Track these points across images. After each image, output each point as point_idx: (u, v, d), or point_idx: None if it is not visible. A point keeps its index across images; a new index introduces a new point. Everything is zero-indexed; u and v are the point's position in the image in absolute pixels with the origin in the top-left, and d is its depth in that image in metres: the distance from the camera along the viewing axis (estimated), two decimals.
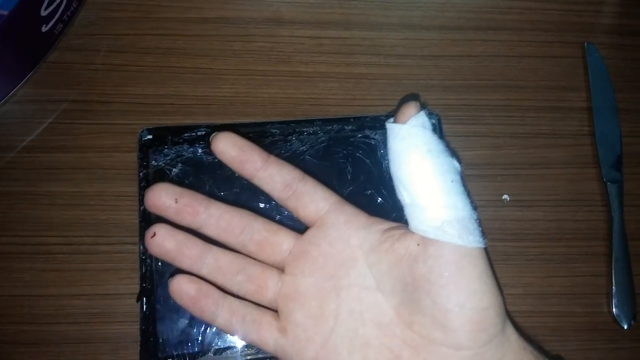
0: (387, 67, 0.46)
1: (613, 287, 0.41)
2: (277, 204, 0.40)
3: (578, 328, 0.40)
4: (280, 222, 0.39)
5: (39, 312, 0.38)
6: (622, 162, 0.44)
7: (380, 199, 0.41)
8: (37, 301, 0.39)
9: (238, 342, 0.37)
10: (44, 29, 0.42)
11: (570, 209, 0.43)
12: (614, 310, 0.40)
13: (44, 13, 0.41)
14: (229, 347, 0.37)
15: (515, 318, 0.40)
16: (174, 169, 0.41)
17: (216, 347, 0.37)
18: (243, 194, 0.40)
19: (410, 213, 0.30)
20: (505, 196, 0.43)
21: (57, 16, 0.43)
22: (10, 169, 0.41)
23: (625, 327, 0.40)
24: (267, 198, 0.40)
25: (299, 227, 0.40)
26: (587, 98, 0.47)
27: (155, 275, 0.38)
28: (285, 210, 0.39)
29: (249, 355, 0.37)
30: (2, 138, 0.42)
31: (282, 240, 0.33)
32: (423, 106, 0.31)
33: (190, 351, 0.37)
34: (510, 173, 0.44)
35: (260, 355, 0.37)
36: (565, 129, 0.46)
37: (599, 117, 0.45)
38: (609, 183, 0.43)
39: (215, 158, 0.41)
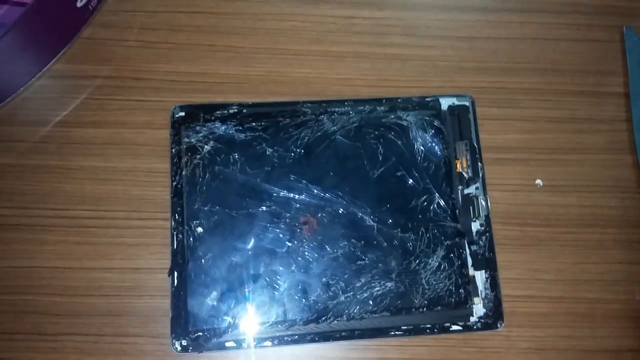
0: (420, 49, 0.46)
1: None
2: (307, 183, 0.40)
3: (610, 315, 0.40)
4: (309, 202, 0.39)
5: (71, 284, 0.39)
6: None
7: (411, 180, 0.41)
8: (70, 273, 0.39)
9: (267, 319, 0.37)
10: (79, 4, 0.42)
11: (604, 195, 0.42)
12: None
13: None
14: (258, 323, 0.37)
15: (546, 303, 0.40)
16: (206, 146, 0.41)
17: (246, 323, 0.37)
18: (274, 172, 0.40)
19: None
20: (538, 181, 0.43)
21: None
22: (45, 142, 0.42)
23: None
24: (298, 177, 0.40)
25: (329, 206, 0.40)
26: (625, 83, 0.45)
27: (187, 250, 0.38)
28: (315, 190, 0.40)
29: (279, 330, 0.37)
30: (37, 112, 0.42)
31: None
32: None
33: (221, 326, 0.37)
34: (544, 158, 0.43)
35: (289, 332, 0.37)
36: (602, 114, 0.45)
37: (636, 103, 0.44)
38: None
39: (247, 136, 0.41)
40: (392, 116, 0.43)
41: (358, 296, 0.38)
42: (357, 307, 0.38)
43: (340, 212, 0.40)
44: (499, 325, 0.38)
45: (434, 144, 0.42)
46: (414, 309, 0.38)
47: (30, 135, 0.42)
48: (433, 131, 0.42)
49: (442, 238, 0.40)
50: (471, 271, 0.39)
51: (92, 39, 0.45)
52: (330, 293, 0.38)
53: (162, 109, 0.43)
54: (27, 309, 0.38)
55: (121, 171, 0.41)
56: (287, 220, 0.39)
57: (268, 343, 0.37)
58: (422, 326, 0.38)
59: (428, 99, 0.43)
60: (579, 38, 0.47)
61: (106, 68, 0.44)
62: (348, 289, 0.38)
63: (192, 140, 0.41)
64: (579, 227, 0.41)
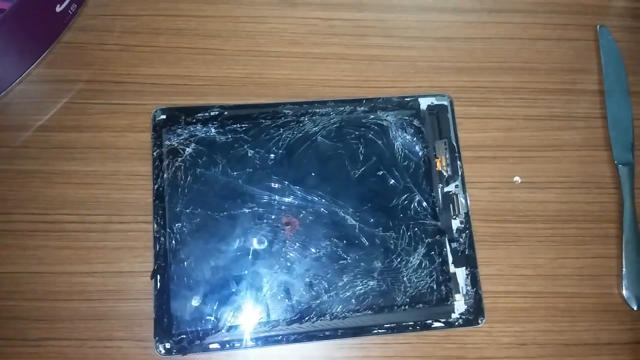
0: (399, 49, 0.46)
1: (623, 269, 0.41)
2: (289, 184, 0.40)
3: (588, 309, 0.40)
4: (291, 202, 0.40)
5: (53, 289, 0.39)
6: (634, 145, 0.44)
7: (392, 180, 0.41)
8: (51, 278, 0.39)
9: (250, 320, 0.38)
10: (58, 8, 0.42)
11: (581, 191, 0.43)
12: (624, 291, 0.40)
13: None
14: (242, 324, 0.37)
15: (526, 298, 0.40)
16: (187, 149, 0.41)
17: (229, 324, 0.37)
18: (255, 174, 0.41)
19: None
20: (516, 178, 0.43)
21: None
22: (25, 147, 0.42)
23: (635, 308, 0.40)
24: (280, 178, 0.40)
25: (311, 206, 0.40)
26: (600, 81, 0.46)
27: (169, 253, 0.38)
28: (298, 191, 0.40)
29: (262, 331, 0.38)
30: (17, 117, 0.42)
31: None
32: None
33: (204, 328, 0.37)
34: (522, 155, 0.44)
35: (273, 332, 0.38)
36: (578, 111, 0.45)
37: (611, 100, 0.45)
38: (620, 165, 0.43)
39: (229, 138, 0.41)
40: (372, 116, 0.43)
41: (341, 295, 0.38)
42: (340, 306, 0.38)
43: (322, 212, 0.40)
44: (480, 321, 0.39)
45: (413, 143, 0.42)
46: (396, 307, 0.39)
47: (11, 140, 0.42)
48: (412, 130, 0.43)
49: (423, 236, 0.40)
50: (452, 268, 0.40)
51: (73, 43, 0.45)
52: (313, 293, 0.38)
53: (143, 112, 0.43)
54: (9, 314, 0.38)
55: (103, 175, 0.41)
56: (270, 221, 0.40)
57: (252, 344, 0.37)
58: (404, 324, 0.38)
59: (407, 99, 0.44)
60: (554, 37, 0.47)
61: (87, 72, 0.44)
62: (331, 288, 0.39)
63: (174, 142, 0.41)
64: (557, 223, 0.42)
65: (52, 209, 0.41)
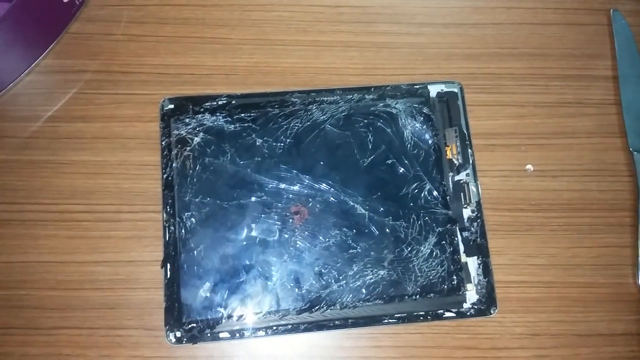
0: (408, 36, 0.46)
1: (639, 258, 0.40)
2: (298, 173, 0.40)
3: (602, 299, 0.40)
4: (300, 191, 0.40)
5: (64, 278, 0.39)
6: None
7: (402, 169, 0.41)
8: (62, 267, 0.39)
9: (261, 308, 0.38)
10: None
11: (595, 179, 0.42)
12: (639, 281, 0.40)
13: None
14: (251, 313, 0.37)
15: (538, 288, 0.40)
16: (196, 138, 0.41)
17: (239, 313, 0.37)
18: (264, 163, 0.40)
19: None
20: (528, 166, 0.43)
21: None
22: (35, 138, 0.42)
23: None
24: (289, 167, 0.40)
25: (320, 195, 0.40)
26: (613, 66, 0.45)
27: (179, 242, 0.38)
28: (306, 179, 0.40)
29: (272, 321, 0.37)
30: (26, 108, 0.42)
31: None
32: None
33: (214, 317, 0.37)
34: (534, 143, 0.43)
35: (283, 321, 0.37)
36: (591, 97, 0.45)
37: (625, 86, 0.44)
38: (635, 152, 0.42)
39: (237, 127, 0.41)
40: (381, 104, 0.43)
41: (351, 285, 0.38)
42: (350, 296, 0.38)
43: (331, 201, 0.40)
44: (492, 312, 0.38)
45: (423, 131, 0.42)
46: (407, 297, 0.38)
47: (20, 131, 0.42)
48: (422, 118, 0.42)
49: (434, 225, 0.40)
50: (463, 258, 0.39)
51: (80, 33, 0.45)
52: (323, 282, 0.38)
53: (151, 102, 0.43)
54: (21, 303, 0.38)
55: (112, 165, 0.41)
56: (279, 210, 0.40)
57: (262, 333, 0.37)
58: (415, 314, 0.38)
59: (416, 86, 0.43)
60: (565, 22, 0.47)
61: (94, 62, 0.44)
62: (340, 277, 0.38)
63: (182, 132, 0.41)
64: (569, 212, 0.42)
65: (62, 199, 0.41)
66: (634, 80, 0.45)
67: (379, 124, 0.42)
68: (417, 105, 0.43)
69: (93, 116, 0.42)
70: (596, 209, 0.42)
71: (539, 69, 0.45)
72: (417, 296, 0.38)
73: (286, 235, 0.39)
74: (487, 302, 0.39)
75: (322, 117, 0.42)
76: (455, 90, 0.43)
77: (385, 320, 0.38)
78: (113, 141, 0.42)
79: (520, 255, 0.41)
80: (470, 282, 0.39)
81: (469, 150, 0.42)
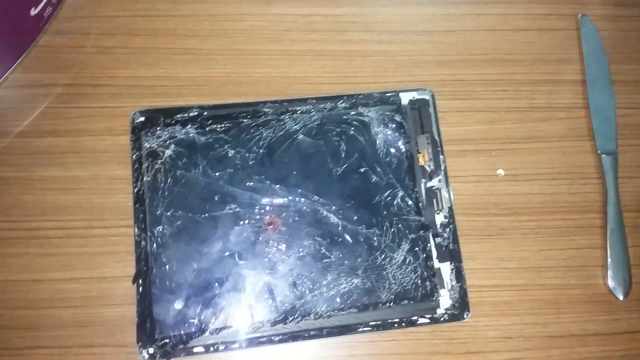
0: (380, 44, 0.46)
1: (608, 259, 0.41)
2: (271, 183, 0.40)
3: (574, 300, 0.40)
4: (274, 203, 0.39)
5: (35, 296, 0.39)
6: (617, 134, 0.44)
7: (375, 176, 0.41)
8: (33, 286, 0.39)
9: (234, 322, 0.37)
10: (32, 12, 0.42)
11: (565, 182, 0.43)
12: (609, 282, 0.40)
13: None
14: (225, 327, 0.37)
15: (511, 292, 0.40)
16: (167, 151, 0.40)
17: (213, 327, 0.37)
18: (237, 174, 0.40)
19: None
20: (500, 171, 0.43)
21: (45, 0, 0.42)
22: (3, 154, 0.41)
23: (621, 298, 0.40)
24: (262, 178, 0.40)
25: (294, 205, 0.40)
26: (582, 70, 0.46)
27: (151, 257, 0.38)
28: (279, 190, 0.40)
29: (246, 333, 0.37)
30: None
31: None
32: None
33: (188, 331, 0.37)
34: (505, 147, 0.44)
35: (258, 334, 0.37)
36: (560, 101, 0.45)
37: (593, 89, 0.45)
38: (603, 155, 0.43)
39: (209, 138, 0.41)
40: (354, 112, 0.43)
41: (325, 294, 0.38)
42: (325, 305, 0.38)
43: (304, 210, 0.40)
44: (465, 316, 0.39)
45: (395, 139, 0.42)
46: (381, 304, 0.38)
47: None
48: (394, 126, 0.42)
49: (407, 232, 0.40)
50: (436, 263, 0.40)
51: (49, 46, 0.44)
52: (297, 292, 0.38)
53: (122, 114, 0.42)
54: None
55: (82, 180, 0.41)
56: (252, 221, 0.39)
57: (236, 346, 0.37)
58: (389, 321, 0.38)
59: (388, 94, 0.43)
60: (535, 27, 0.47)
61: (64, 76, 0.43)
62: (315, 287, 0.38)
63: (153, 145, 0.41)
64: (541, 215, 0.42)
65: (33, 215, 0.40)
66: (602, 83, 0.45)
67: (351, 132, 0.42)
68: (389, 113, 0.43)
69: (63, 130, 0.42)
70: (566, 211, 0.42)
71: (510, 74, 0.46)
72: (391, 303, 0.39)
73: (260, 247, 0.39)
74: (461, 307, 0.39)
75: (295, 127, 0.42)
76: (427, 97, 0.43)
77: (360, 329, 0.38)
78: (84, 155, 0.42)
79: (493, 259, 0.41)
80: (444, 288, 0.39)
81: (441, 156, 0.42)
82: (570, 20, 0.48)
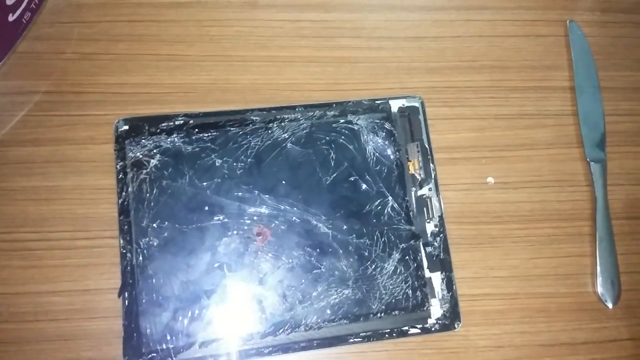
0: (369, 50, 0.45)
1: (598, 267, 0.41)
2: (259, 193, 0.39)
3: (564, 308, 0.40)
4: (263, 213, 0.39)
5: (17, 310, 0.37)
6: (606, 141, 0.44)
7: (365, 185, 0.41)
8: (16, 299, 0.38)
9: (223, 334, 0.37)
10: (10, 18, 0.40)
11: (554, 189, 0.43)
12: (599, 290, 0.40)
13: (9, 2, 0.39)
14: (214, 340, 0.37)
15: (501, 300, 0.40)
16: (152, 160, 0.40)
17: (201, 340, 0.36)
18: (224, 184, 0.39)
19: None
20: (489, 179, 0.43)
21: (24, 4, 0.41)
22: None
23: (610, 306, 0.40)
24: (250, 187, 0.39)
25: (283, 215, 0.39)
26: (570, 77, 0.46)
27: (137, 269, 0.37)
28: (269, 200, 0.39)
29: (235, 346, 0.37)
30: None
31: None
32: None
33: (175, 345, 0.36)
34: (495, 155, 0.43)
35: (247, 346, 0.37)
36: (549, 108, 0.45)
37: (582, 96, 0.45)
38: (592, 162, 0.43)
39: (195, 147, 0.40)
40: (343, 120, 0.42)
41: (315, 305, 0.38)
42: (315, 317, 0.37)
43: (294, 220, 0.39)
44: (456, 326, 0.38)
45: (385, 147, 0.42)
46: (372, 315, 0.38)
47: None
48: (384, 134, 0.42)
49: (397, 241, 0.40)
50: (427, 273, 0.39)
51: (28, 52, 0.43)
52: (287, 304, 0.38)
53: (105, 122, 0.41)
54: None
55: (65, 190, 0.40)
56: (240, 232, 0.39)
57: (224, 359, 0.36)
58: (380, 331, 0.38)
59: (378, 102, 0.43)
60: (524, 34, 0.47)
61: (44, 83, 0.42)
62: (305, 298, 0.38)
63: (138, 154, 0.40)
64: (530, 223, 0.42)
65: (14, 227, 0.39)
66: (590, 90, 0.45)
67: (341, 140, 0.42)
68: (378, 121, 0.42)
69: (44, 139, 0.41)
70: (556, 219, 0.42)
71: (499, 81, 0.45)
72: (382, 314, 0.38)
73: (249, 258, 0.38)
74: (451, 316, 0.39)
75: (284, 135, 0.41)
76: (417, 104, 0.43)
77: (351, 340, 0.38)
78: (66, 165, 0.40)
79: (483, 267, 0.41)
80: (435, 297, 0.39)
81: (431, 164, 0.42)
82: (558, 27, 0.48)
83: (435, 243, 0.40)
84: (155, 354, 0.36)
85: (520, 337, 0.39)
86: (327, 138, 0.42)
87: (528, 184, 0.43)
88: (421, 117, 0.43)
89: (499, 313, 0.40)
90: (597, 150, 0.43)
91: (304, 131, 0.42)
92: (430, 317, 0.39)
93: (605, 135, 0.44)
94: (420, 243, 0.40)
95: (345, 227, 0.40)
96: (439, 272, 0.39)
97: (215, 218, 0.39)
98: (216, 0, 0.45)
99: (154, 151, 0.40)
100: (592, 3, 0.49)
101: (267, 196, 0.40)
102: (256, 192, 0.40)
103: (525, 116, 0.45)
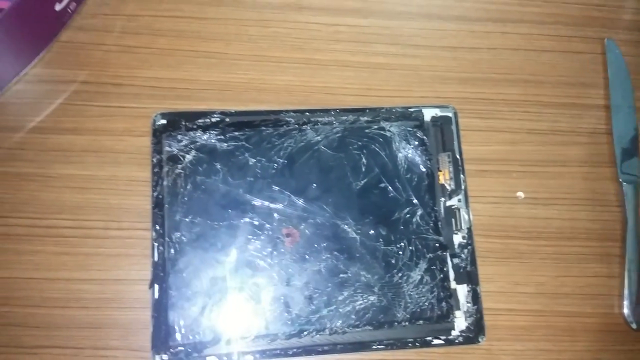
0: (404, 58, 0.46)
1: (625, 289, 0.41)
2: (290, 194, 0.40)
3: (589, 329, 0.40)
4: (292, 214, 0.39)
5: (49, 295, 0.38)
6: (639, 162, 0.44)
7: (394, 192, 0.41)
8: (48, 284, 0.38)
9: (250, 332, 0.37)
10: (57, 7, 0.41)
11: (585, 208, 0.43)
12: (625, 311, 0.40)
13: None
14: (240, 338, 0.37)
15: (526, 317, 0.40)
16: (188, 156, 0.40)
17: (227, 337, 0.37)
18: (256, 183, 0.40)
19: None
20: (519, 193, 0.43)
21: None
22: (21, 149, 0.41)
23: (635, 328, 0.40)
24: (281, 188, 0.40)
25: (312, 218, 0.39)
26: (606, 95, 0.46)
27: (168, 262, 0.38)
28: (299, 201, 0.39)
29: (261, 345, 0.37)
30: (14, 118, 0.41)
31: None
32: None
33: (202, 340, 0.37)
34: (526, 170, 0.43)
35: (271, 346, 0.37)
36: (583, 126, 0.45)
37: (617, 116, 0.45)
38: (624, 183, 0.43)
39: (229, 145, 0.41)
40: (376, 127, 0.42)
41: (341, 310, 0.38)
42: (340, 321, 0.38)
43: (323, 224, 0.40)
44: (480, 340, 0.39)
45: (416, 156, 0.42)
46: (396, 323, 0.38)
47: (6, 141, 0.41)
48: (416, 142, 0.42)
49: (425, 251, 0.40)
50: (453, 284, 0.40)
51: (71, 42, 0.44)
52: (313, 307, 0.38)
53: (142, 115, 0.42)
54: (4, 320, 0.37)
55: (100, 179, 0.41)
56: (270, 232, 0.39)
57: (250, 357, 0.37)
58: (404, 340, 0.38)
59: (411, 110, 0.43)
60: (560, 49, 0.47)
61: (85, 73, 0.43)
62: (331, 302, 0.38)
63: (174, 149, 0.40)
64: (559, 240, 0.42)
65: (49, 213, 0.40)
66: (626, 110, 0.45)
67: (372, 146, 0.42)
68: (411, 129, 0.43)
69: (82, 128, 0.42)
70: (585, 238, 0.42)
71: (533, 95, 0.45)
72: (407, 322, 0.38)
73: (277, 258, 0.39)
74: (476, 329, 0.39)
75: (316, 138, 0.42)
76: (450, 115, 0.43)
77: (374, 347, 0.38)
78: (103, 155, 0.41)
79: (510, 282, 0.41)
80: (459, 309, 0.39)
81: (462, 175, 0.42)
82: (595, 44, 0.47)
83: (462, 255, 0.40)
84: (182, 348, 0.36)
85: (543, 354, 0.39)
86: (359, 143, 0.42)
87: (558, 201, 0.43)
88: (454, 127, 0.43)
89: (523, 329, 0.40)
90: (630, 171, 0.43)
91: (337, 135, 0.42)
92: (454, 329, 0.39)
93: (639, 156, 0.44)
94: (448, 254, 0.40)
95: (373, 233, 0.40)
96: (465, 285, 0.40)
97: (246, 216, 0.39)
98: (256, 0, 0.46)
99: (190, 147, 0.40)
100: (630, 22, 0.49)
101: (297, 198, 0.40)
102: (287, 192, 0.40)
103: (558, 132, 0.45)
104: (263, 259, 0.39)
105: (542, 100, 0.45)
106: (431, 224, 0.40)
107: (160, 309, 0.37)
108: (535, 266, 0.41)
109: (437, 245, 0.40)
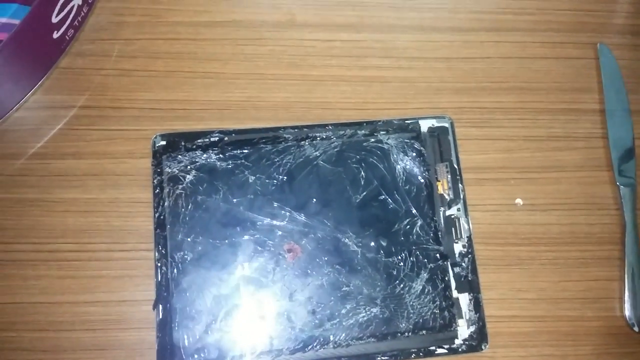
0: (399, 70, 0.46)
1: (626, 292, 0.41)
2: (291, 210, 0.40)
3: (591, 332, 0.40)
4: (293, 229, 0.40)
5: (55, 319, 0.39)
6: (636, 165, 0.44)
7: (394, 204, 0.41)
8: (53, 308, 0.39)
9: (255, 348, 0.37)
10: (55, 35, 0.42)
11: (583, 212, 0.43)
12: (627, 314, 0.40)
13: (55, 20, 0.41)
14: (245, 354, 0.37)
15: (529, 323, 0.40)
16: (188, 176, 0.41)
17: (232, 354, 0.37)
18: (257, 200, 0.40)
19: None
20: (518, 200, 0.43)
21: (68, 22, 0.42)
22: (23, 175, 0.41)
23: (638, 330, 0.40)
24: (281, 204, 0.40)
25: (313, 233, 0.40)
26: (600, 100, 0.46)
27: (171, 282, 0.38)
28: (299, 217, 0.40)
29: None
30: (16, 145, 0.42)
31: None
32: None
33: (207, 358, 0.37)
34: (524, 177, 0.44)
35: None
36: (578, 131, 0.45)
37: (612, 119, 0.45)
38: (622, 186, 0.43)
39: (229, 164, 0.41)
40: (373, 140, 0.43)
41: (344, 323, 0.38)
42: (343, 334, 0.38)
43: (324, 238, 0.40)
44: (483, 347, 0.39)
45: (414, 167, 0.42)
46: (399, 334, 0.38)
47: (8, 168, 0.42)
48: (414, 154, 0.43)
49: (426, 261, 0.40)
50: (455, 293, 0.40)
51: (70, 68, 0.44)
52: (316, 321, 0.38)
53: (142, 137, 0.43)
54: (13, 345, 0.38)
55: (102, 202, 0.41)
56: (271, 248, 0.40)
57: None
58: (407, 351, 0.38)
59: (408, 122, 0.44)
60: (553, 56, 0.47)
61: (84, 97, 0.44)
62: (334, 315, 0.38)
63: (174, 170, 0.41)
64: (558, 245, 0.42)
65: (53, 237, 0.40)
66: (621, 113, 0.45)
67: (371, 159, 0.42)
68: (408, 141, 0.43)
69: (83, 153, 0.42)
70: (584, 242, 0.42)
71: (528, 102, 0.46)
72: (410, 333, 0.39)
73: (279, 274, 0.39)
74: (479, 337, 0.39)
75: (315, 153, 0.42)
76: (446, 125, 0.44)
77: (379, 358, 0.38)
78: (104, 178, 0.42)
79: (511, 289, 0.41)
80: (462, 318, 0.39)
81: (460, 185, 0.42)
82: (588, 49, 0.48)
83: (463, 263, 0.40)
84: None
85: None
86: (358, 157, 0.42)
87: (557, 207, 0.43)
88: (450, 137, 0.43)
89: (526, 335, 0.40)
90: (627, 174, 0.44)
91: (335, 149, 0.42)
92: (457, 338, 0.39)
93: (635, 159, 0.44)
94: (449, 263, 0.40)
95: (374, 245, 0.40)
96: (467, 293, 0.40)
97: (247, 233, 0.40)
98: (251, 19, 0.47)
99: (190, 167, 0.41)
100: (622, 26, 0.49)
101: (298, 213, 0.40)
102: (287, 208, 0.40)
103: (554, 138, 0.45)
104: (265, 275, 0.39)
105: (537, 106, 0.46)
106: (431, 234, 0.41)
107: (165, 328, 0.37)
108: (535, 272, 0.41)
109: (438, 255, 0.40)
